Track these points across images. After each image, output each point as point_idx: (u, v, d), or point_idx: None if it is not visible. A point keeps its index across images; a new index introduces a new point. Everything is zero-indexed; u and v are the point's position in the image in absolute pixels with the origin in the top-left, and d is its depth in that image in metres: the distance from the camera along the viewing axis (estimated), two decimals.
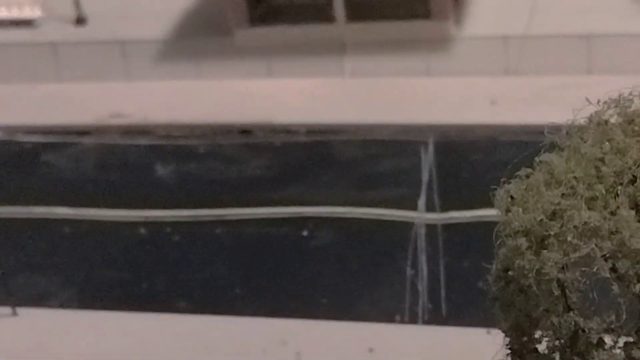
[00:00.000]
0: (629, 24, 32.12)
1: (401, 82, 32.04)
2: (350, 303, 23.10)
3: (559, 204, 14.13)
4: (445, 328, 21.59)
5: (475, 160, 28.26)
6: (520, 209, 14.44)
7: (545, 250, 14.10)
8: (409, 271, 24.13)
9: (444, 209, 26.45)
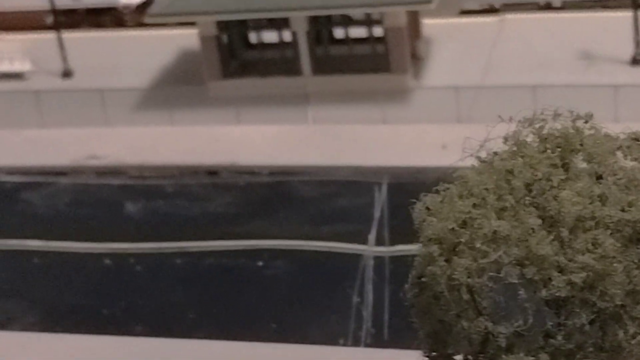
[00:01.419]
0: (572, 76, 32.42)
1: (360, 128, 32.20)
2: (298, 327, 22.89)
3: (469, 213, 14.09)
4: (386, 350, 21.34)
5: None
6: (435, 219, 14.35)
7: (456, 257, 13.97)
8: (355, 298, 24.01)
9: (392, 243, 26.49)
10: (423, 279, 14.34)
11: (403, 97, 33.04)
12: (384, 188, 29.37)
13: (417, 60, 34.94)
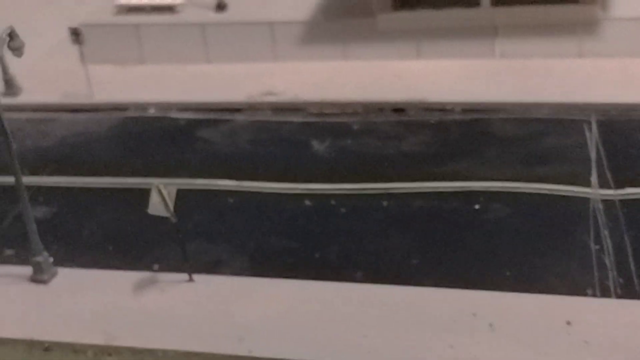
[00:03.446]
0: None
1: (554, 62, 29.83)
2: (537, 276, 21.04)
3: None
4: None
5: None
6: None
7: None
8: (593, 246, 21.91)
9: (618, 186, 24.02)
10: None
11: (594, 29, 30.61)
12: (594, 126, 27.16)
13: None
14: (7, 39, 21.14)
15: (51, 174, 27.99)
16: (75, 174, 27.85)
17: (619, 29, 30.08)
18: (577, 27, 30.18)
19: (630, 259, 21.08)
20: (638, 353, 18.05)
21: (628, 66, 28.70)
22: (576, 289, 20.23)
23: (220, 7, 36.73)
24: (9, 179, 22.98)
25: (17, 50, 21.41)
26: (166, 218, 21.51)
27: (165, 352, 19.96)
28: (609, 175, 24.32)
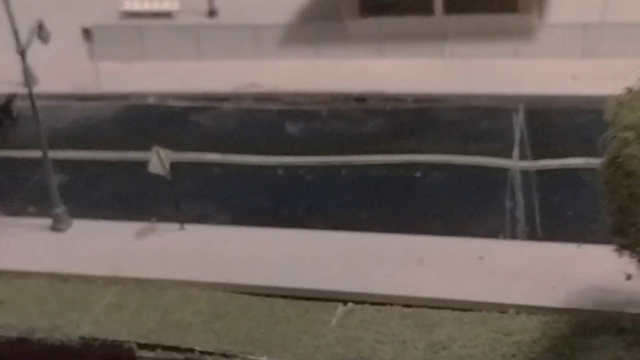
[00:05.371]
0: None
1: (493, 62, 34.78)
2: (461, 224, 25.74)
3: None
4: (541, 243, 24.13)
5: (559, 124, 30.76)
6: (626, 110, 17.13)
7: None
8: (508, 204, 26.69)
9: (535, 159, 29.07)
10: (619, 160, 17.14)
11: (530, 35, 35.38)
12: (521, 113, 31.90)
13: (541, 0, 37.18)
14: (38, 29, 25.76)
15: (65, 149, 32.57)
16: (85, 149, 32.41)
17: (552, 34, 34.93)
18: (515, 33, 34.95)
19: (537, 214, 25.85)
20: (533, 282, 22.61)
21: (556, 65, 33.49)
22: (491, 234, 24.99)
23: (212, 13, 41.61)
24: (28, 153, 27.43)
25: (45, 39, 26.05)
26: (162, 184, 26.07)
27: (161, 281, 24.48)
28: (528, 152, 29.19)
